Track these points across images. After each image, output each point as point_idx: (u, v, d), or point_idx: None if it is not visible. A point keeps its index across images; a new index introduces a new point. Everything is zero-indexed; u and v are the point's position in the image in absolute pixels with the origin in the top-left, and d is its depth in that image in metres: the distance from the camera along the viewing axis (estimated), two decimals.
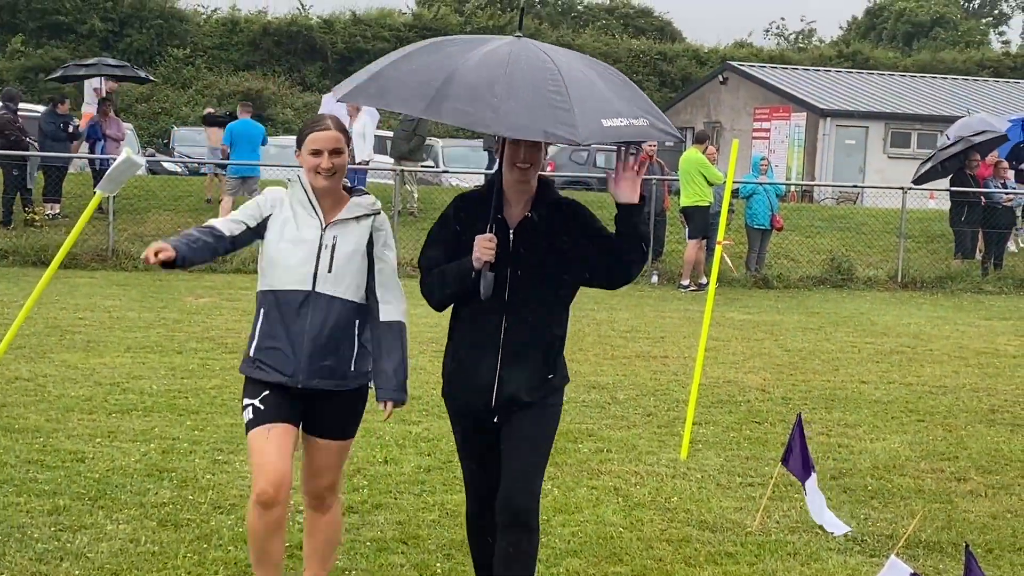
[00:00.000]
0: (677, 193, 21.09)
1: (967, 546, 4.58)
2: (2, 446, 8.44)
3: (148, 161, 30.27)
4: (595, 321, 16.13)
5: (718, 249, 9.44)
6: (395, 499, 7.68)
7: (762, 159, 22.49)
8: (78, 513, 7.10)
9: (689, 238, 20.42)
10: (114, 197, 20.77)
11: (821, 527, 7.34)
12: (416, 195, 24.77)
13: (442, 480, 8.13)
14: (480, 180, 29.65)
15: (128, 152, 7.07)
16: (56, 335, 13.13)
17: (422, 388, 11.11)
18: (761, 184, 21.49)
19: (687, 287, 20.27)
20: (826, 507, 7.36)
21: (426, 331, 14.65)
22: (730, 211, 20.87)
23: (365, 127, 24.30)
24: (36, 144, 22.20)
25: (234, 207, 21.86)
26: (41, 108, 25.91)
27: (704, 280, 20.15)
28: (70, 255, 19.20)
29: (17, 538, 6.59)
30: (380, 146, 27.00)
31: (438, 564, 6.50)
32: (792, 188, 35.08)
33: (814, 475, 7.29)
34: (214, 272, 19.85)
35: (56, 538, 6.64)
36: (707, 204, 19.96)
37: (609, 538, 7.08)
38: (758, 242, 21.70)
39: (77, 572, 6.15)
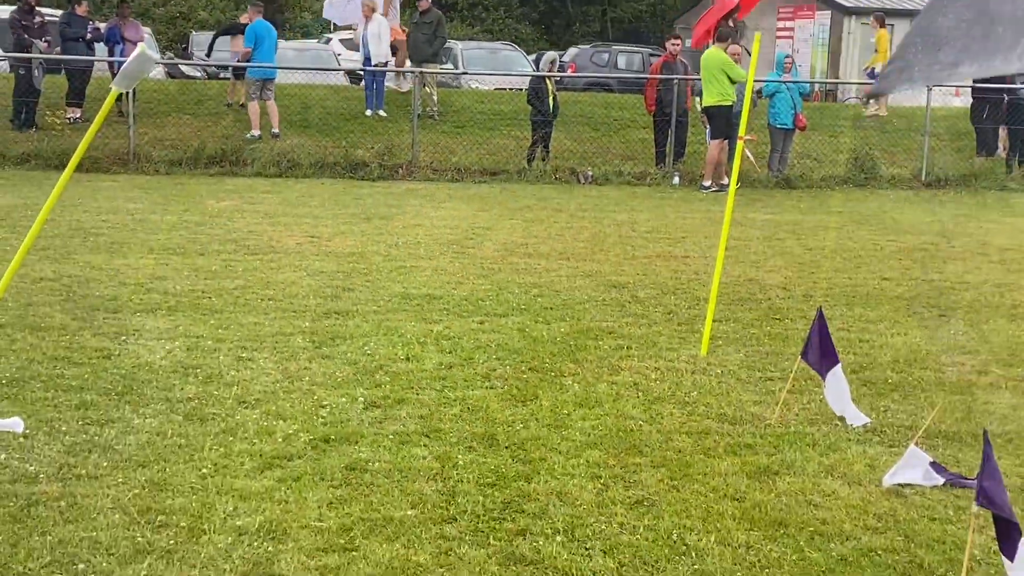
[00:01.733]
0: (699, 93, 20.91)
1: (985, 433, 4.61)
2: (29, 344, 8.53)
3: (167, 66, 30.22)
4: (616, 223, 16.12)
5: (739, 144, 9.36)
6: (417, 394, 7.74)
7: (786, 57, 22.26)
8: (105, 408, 7.20)
9: (711, 138, 20.29)
10: (134, 101, 20.76)
11: (841, 418, 7.39)
12: (436, 98, 24.64)
13: (463, 376, 8.19)
14: (498, 83, 29.48)
15: (142, 48, 7.02)
16: (80, 237, 13.19)
17: (443, 288, 11.16)
18: (784, 83, 21.28)
19: (708, 188, 20.18)
20: (849, 398, 7.38)
21: (447, 233, 14.68)
22: (753, 107, 20.78)
23: (380, 28, 24.15)
24: (44, 45, 22.05)
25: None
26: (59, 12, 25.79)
27: (725, 180, 20.06)
28: (91, 159, 19.29)
29: (46, 431, 6.68)
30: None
31: (459, 456, 6.57)
32: (816, 88, 34.76)
33: (839, 366, 7.29)
34: (235, 176, 19.86)
35: (84, 431, 6.74)
36: (729, 104, 19.80)
37: (629, 431, 7.15)
38: (780, 142, 21.54)
39: (105, 463, 6.25)
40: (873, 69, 27.85)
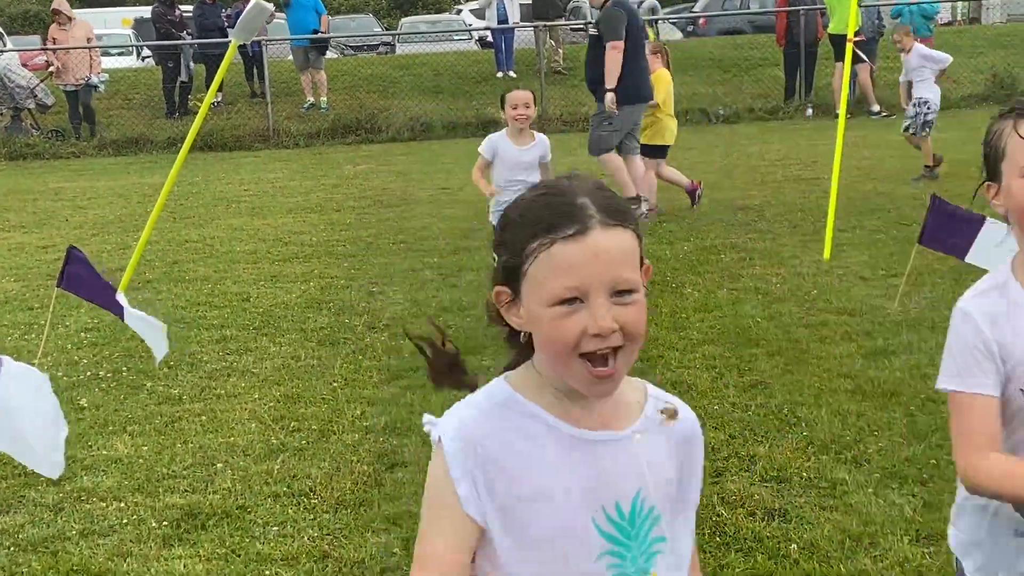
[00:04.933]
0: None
1: None
2: (174, 293, 8.99)
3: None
4: (746, 155, 16.09)
5: (848, 47, 9.34)
6: None
7: None
8: (243, 340, 7.58)
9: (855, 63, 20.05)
10: (271, 82, 21.39)
11: None
12: (562, 52, 24.78)
13: None
14: None
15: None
16: (223, 205, 13.73)
17: None
18: (906, 4, 20.86)
19: (878, 112, 19.96)
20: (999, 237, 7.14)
21: None
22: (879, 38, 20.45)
23: None
24: (190, 36, 22.89)
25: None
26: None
27: (876, 107, 19.92)
28: (234, 138, 19.99)
29: (188, 362, 7.09)
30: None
31: None
32: (959, 14, 33.89)
33: (987, 222, 7.11)
34: (371, 143, 20.30)
35: (223, 360, 7.13)
36: (857, 28, 19.50)
37: (747, 328, 7.25)
38: None
39: (243, 384, 6.61)
40: None
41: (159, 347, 6.47)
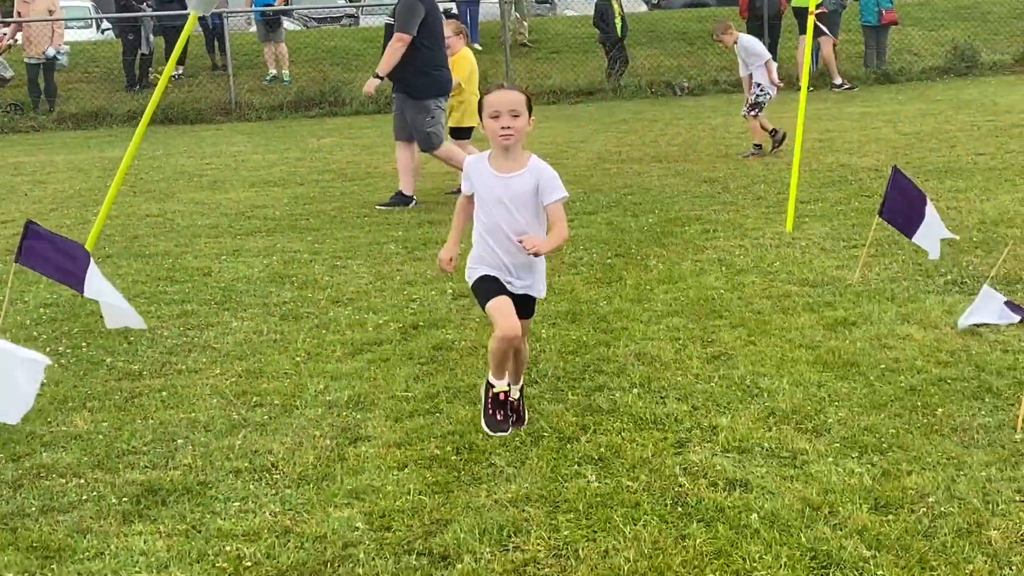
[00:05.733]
0: None
1: None
2: (134, 268, 8.93)
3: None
4: (711, 127, 16.12)
5: (810, 20, 9.36)
6: None
7: None
8: (205, 315, 7.54)
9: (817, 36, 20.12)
10: (231, 55, 21.21)
11: (923, 275, 7.41)
12: (527, 25, 24.70)
13: (551, 266, 8.34)
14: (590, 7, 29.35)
15: None
16: (184, 179, 13.64)
17: None
18: None
19: (840, 85, 20.02)
20: (940, 230, 7.24)
21: (541, 148, 14.85)
22: (843, 8, 20.48)
23: None
24: (150, 8, 22.68)
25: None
26: None
27: (839, 80, 19.97)
28: (195, 111, 19.83)
29: (148, 338, 7.03)
30: None
31: (543, 331, 6.77)
32: None
33: (928, 204, 7.22)
34: (335, 116, 20.22)
35: (184, 335, 7.08)
36: (819, 1, 19.54)
37: (710, 299, 7.27)
38: (873, 39, 21.25)
39: (204, 359, 6.57)
40: None
41: (131, 319, 6.43)
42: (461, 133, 11.99)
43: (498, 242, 5.07)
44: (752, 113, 13.39)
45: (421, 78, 11.12)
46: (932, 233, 7.25)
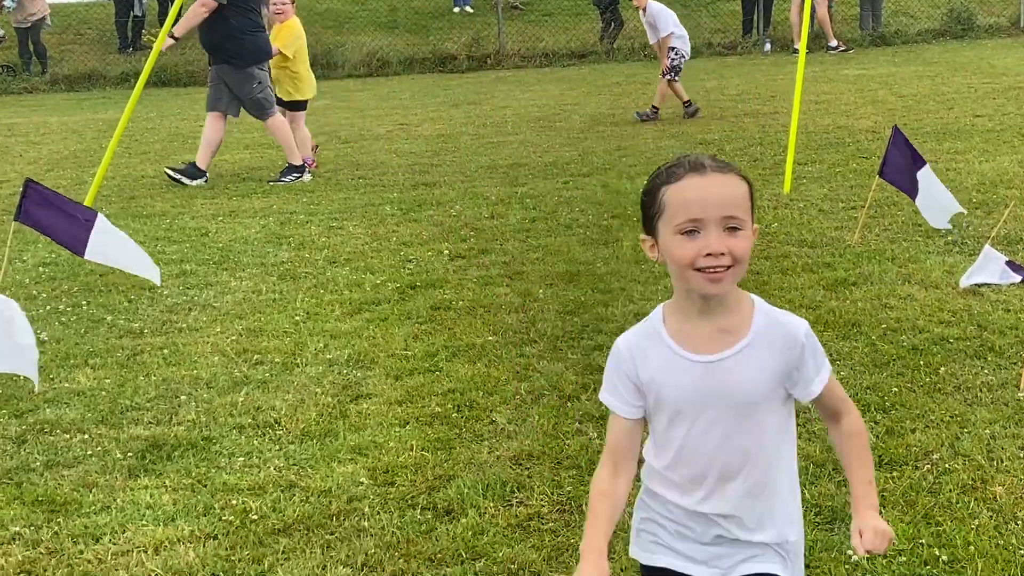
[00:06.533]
0: None
1: None
2: (132, 229, 8.87)
3: None
4: (705, 89, 16.06)
5: None
6: (500, 245, 7.94)
7: None
8: (203, 274, 7.53)
9: None
10: None
11: (923, 235, 7.41)
12: None
13: (546, 227, 8.36)
14: None
15: None
16: (179, 140, 13.60)
17: (529, 157, 11.32)
18: None
19: (835, 48, 19.94)
20: (944, 195, 7.23)
21: (534, 111, 14.80)
22: None
23: None
24: None
25: None
26: None
27: (834, 42, 19.91)
28: (188, 74, 19.75)
29: (148, 297, 7.02)
30: None
31: (540, 292, 6.76)
32: None
33: (926, 167, 7.20)
34: (328, 79, 20.11)
35: (184, 294, 7.08)
36: None
37: None
38: (868, 1, 21.19)
39: (204, 318, 6.56)
40: None
41: (149, 271, 6.38)
42: (293, 106, 11.27)
43: (695, 483, 2.52)
44: (669, 77, 13.43)
45: (233, 43, 10.56)
46: (935, 202, 7.24)
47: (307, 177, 10.72)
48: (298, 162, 10.83)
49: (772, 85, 16.10)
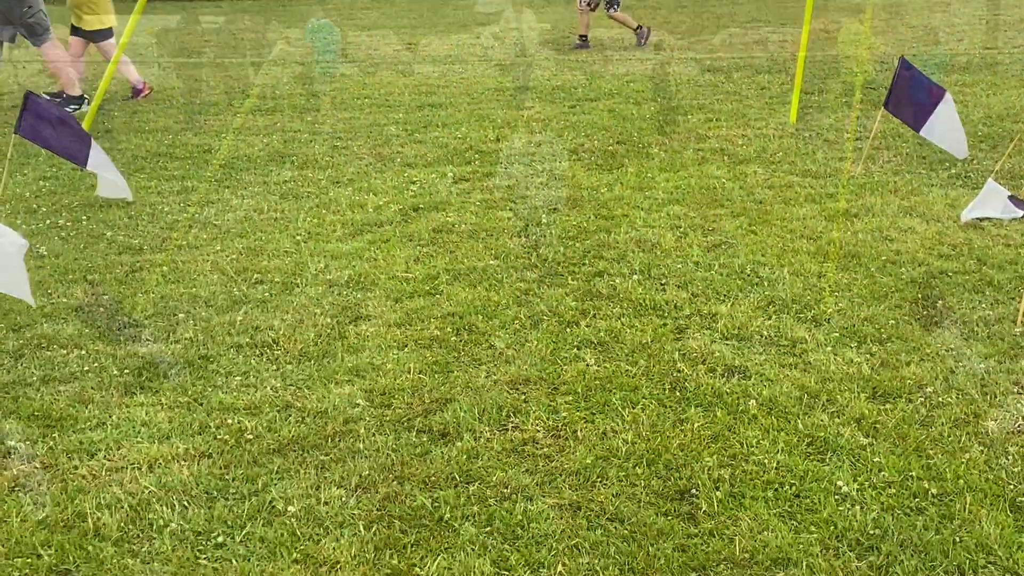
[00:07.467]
0: None
1: None
2: (135, 144, 8.87)
3: None
4: (715, 16, 15.92)
5: None
6: (505, 168, 7.91)
7: None
8: (205, 192, 7.50)
9: None
10: None
11: (927, 167, 7.37)
12: None
13: (551, 151, 8.32)
14: None
15: None
16: (183, 55, 13.49)
17: (537, 81, 11.24)
18: None
19: None
20: (956, 128, 7.15)
21: (544, 35, 14.67)
22: None
23: None
24: None
25: None
26: None
27: None
28: None
29: (149, 213, 7.01)
30: None
31: (543, 216, 6.74)
32: None
33: (947, 96, 7.10)
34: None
35: (184, 211, 7.06)
36: None
37: (711, 188, 7.24)
38: None
39: (205, 236, 6.55)
40: None
41: (121, 191, 6.42)
42: (97, 36, 10.68)
43: None
44: (612, 11, 13.32)
45: None
46: (946, 131, 7.15)
47: (85, 108, 10.08)
48: (76, 93, 10.29)
49: (783, 12, 15.96)
